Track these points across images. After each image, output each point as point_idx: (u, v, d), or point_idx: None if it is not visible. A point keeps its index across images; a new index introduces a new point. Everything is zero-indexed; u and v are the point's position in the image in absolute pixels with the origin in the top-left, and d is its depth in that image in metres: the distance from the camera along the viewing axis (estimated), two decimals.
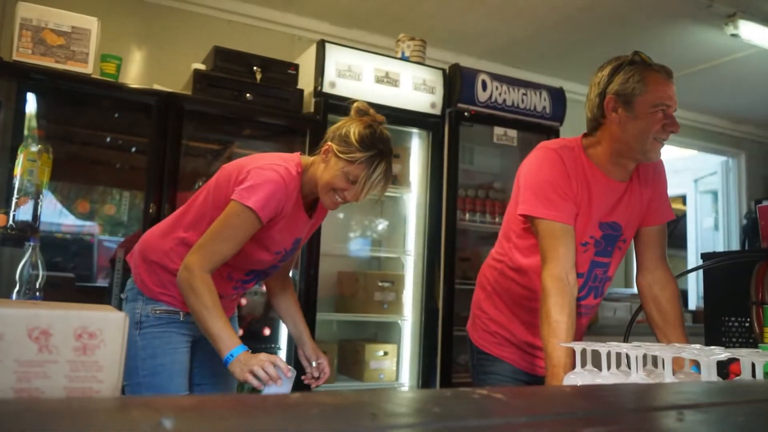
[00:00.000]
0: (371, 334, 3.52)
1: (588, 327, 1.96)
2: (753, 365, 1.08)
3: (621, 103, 1.60)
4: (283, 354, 2.94)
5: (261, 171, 1.61)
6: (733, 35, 3.51)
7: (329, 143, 1.66)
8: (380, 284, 3.23)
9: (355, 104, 1.72)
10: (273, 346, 2.98)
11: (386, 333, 3.43)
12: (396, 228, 3.50)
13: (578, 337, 1.82)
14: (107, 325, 0.69)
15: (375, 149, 1.63)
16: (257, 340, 2.94)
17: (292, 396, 0.69)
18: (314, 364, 1.86)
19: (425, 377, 3.18)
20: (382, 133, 1.67)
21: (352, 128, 1.65)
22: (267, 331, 2.96)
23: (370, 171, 1.62)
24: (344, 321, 3.40)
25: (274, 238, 1.70)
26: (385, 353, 3.22)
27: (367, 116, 1.69)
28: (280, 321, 3.00)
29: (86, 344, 0.68)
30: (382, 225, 3.57)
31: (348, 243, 3.49)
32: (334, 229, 3.28)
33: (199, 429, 0.46)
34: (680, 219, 5.96)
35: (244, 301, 3.00)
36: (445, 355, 3.19)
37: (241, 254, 1.65)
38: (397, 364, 3.26)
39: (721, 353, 1.10)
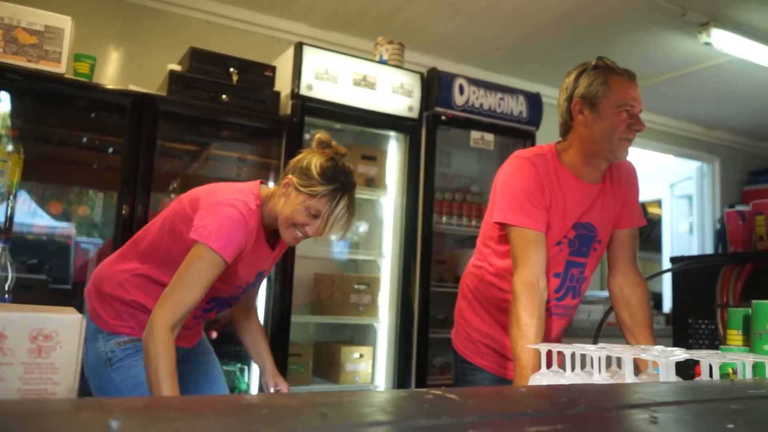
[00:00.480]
0: (347, 336, 3.52)
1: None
2: (710, 367, 1.11)
3: (587, 106, 1.67)
4: None
5: (221, 208, 1.54)
6: (706, 44, 3.58)
7: (289, 176, 1.61)
8: (356, 287, 3.24)
9: (316, 136, 1.66)
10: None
11: (362, 335, 3.44)
12: (373, 231, 3.51)
13: (558, 337, 1.86)
14: (63, 327, 0.69)
15: (337, 182, 1.58)
16: (231, 343, 2.93)
17: (245, 397, 0.69)
18: (272, 390, 1.84)
19: (400, 379, 3.19)
20: (344, 165, 1.62)
21: (314, 161, 1.59)
22: None
23: (333, 205, 1.58)
24: (320, 323, 3.40)
25: (237, 274, 1.64)
26: (361, 355, 3.23)
27: (329, 148, 1.64)
28: None
29: (42, 346, 0.68)
30: (358, 228, 3.58)
31: (324, 245, 3.49)
32: None
33: (148, 430, 0.46)
34: (657, 223, 6.05)
35: None
36: (421, 357, 3.21)
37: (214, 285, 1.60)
38: (372, 366, 3.27)
39: (681, 355, 1.13)
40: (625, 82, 1.64)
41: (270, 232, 1.69)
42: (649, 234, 6.03)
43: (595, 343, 1.79)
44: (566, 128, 1.74)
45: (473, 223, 3.60)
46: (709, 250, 5.43)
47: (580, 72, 1.70)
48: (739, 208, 2.14)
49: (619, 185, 1.79)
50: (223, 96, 2.91)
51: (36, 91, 2.65)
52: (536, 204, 1.66)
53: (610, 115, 1.63)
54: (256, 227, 1.61)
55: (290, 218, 1.59)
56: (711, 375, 1.12)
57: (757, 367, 1.19)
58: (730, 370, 1.31)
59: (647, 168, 5.65)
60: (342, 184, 1.59)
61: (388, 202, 3.39)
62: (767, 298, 1.40)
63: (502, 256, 1.78)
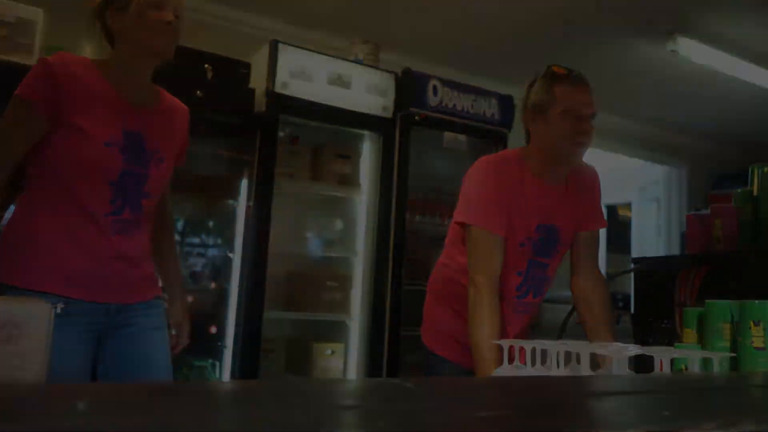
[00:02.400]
0: (319, 333, 3.54)
1: (532, 328, 2.06)
2: (661, 361, 1.16)
3: (537, 114, 1.73)
4: (229, 353, 2.94)
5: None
6: (672, 51, 3.67)
7: (108, 20, 1.59)
8: (329, 284, 3.26)
9: None
10: (219, 344, 2.98)
11: (334, 332, 3.46)
12: (347, 229, 3.54)
13: (523, 334, 1.92)
14: (32, 317, 0.71)
15: None
16: (204, 338, 2.93)
17: (206, 383, 0.72)
18: (174, 332, 1.73)
19: (372, 376, 3.22)
20: None
21: None
22: (213, 329, 2.96)
23: None
24: (292, 320, 3.41)
25: (92, 131, 1.47)
26: (333, 352, 3.25)
27: None
28: (227, 320, 3.00)
29: (11, 335, 0.70)
30: (332, 225, 3.60)
31: (298, 242, 3.50)
32: (284, 228, 3.30)
33: (111, 411, 0.49)
34: (628, 225, 6.17)
35: (190, 299, 2.98)
36: (392, 354, 3.24)
37: (69, 163, 1.46)
38: (344, 363, 3.30)
39: (633, 351, 1.18)
40: (569, 89, 1.69)
41: (142, 98, 1.60)
42: (622, 236, 6.15)
43: (559, 340, 1.85)
44: (528, 134, 1.81)
45: (446, 222, 3.64)
46: (676, 252, 5.56)
47: (531, 82, 1.77)
48: (703, 212, 2.22)
49: (582, 189, 1.85)
50: (198, 92, 2.91)
51: (5, 84, 2.62)
52: (498, 208, 1.71)
53: (557, 122, 1.69)
54: (89, 71, 1.54)
55: (136, 25, 1.53)
56: (662, 369, 1.17)
57: (706, 363, 1.25)
58: (684, 366, 1.37)
59: (618, 171, 5.76)
60: None
61: (362, 200, 3.43)
62: (722, 298, 1.46)
63: (467, 255, 1.83)
